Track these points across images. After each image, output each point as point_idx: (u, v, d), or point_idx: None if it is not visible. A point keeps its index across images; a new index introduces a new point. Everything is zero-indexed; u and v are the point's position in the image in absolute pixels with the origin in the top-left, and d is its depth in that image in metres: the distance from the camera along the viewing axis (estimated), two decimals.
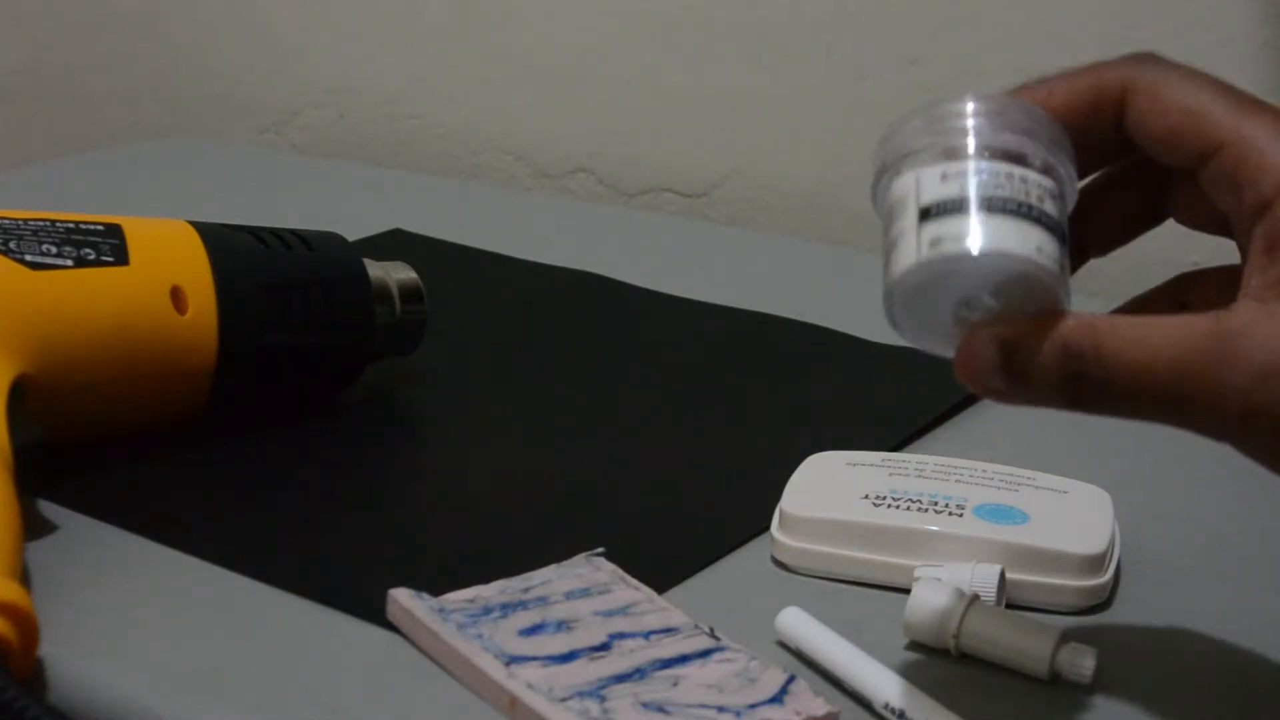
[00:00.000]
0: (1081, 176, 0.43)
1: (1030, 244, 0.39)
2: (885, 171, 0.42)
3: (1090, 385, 0.39)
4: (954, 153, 0.40)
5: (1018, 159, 0.40)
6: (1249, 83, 0.42)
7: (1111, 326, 0.39)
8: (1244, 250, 0.41)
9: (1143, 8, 0.86)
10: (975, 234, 0.39)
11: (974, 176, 0.40)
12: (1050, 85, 0.42)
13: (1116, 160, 0.44)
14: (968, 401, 0.68)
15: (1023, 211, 0.39)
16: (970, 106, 0.41)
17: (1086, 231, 0.45)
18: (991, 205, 0.39)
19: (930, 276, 0.40)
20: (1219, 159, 0.40)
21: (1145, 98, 0.41)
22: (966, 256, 0.39)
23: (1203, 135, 0.40)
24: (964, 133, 0.41)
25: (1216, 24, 0.85)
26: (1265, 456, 0.40)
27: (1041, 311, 0.40)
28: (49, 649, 0.48)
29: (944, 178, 0.40)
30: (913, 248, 0.40)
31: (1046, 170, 0.41)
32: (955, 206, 0.40)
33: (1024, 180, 0.40)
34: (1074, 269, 0.44)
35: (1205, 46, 0.85)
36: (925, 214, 0.40)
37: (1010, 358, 0.40)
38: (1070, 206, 0.41)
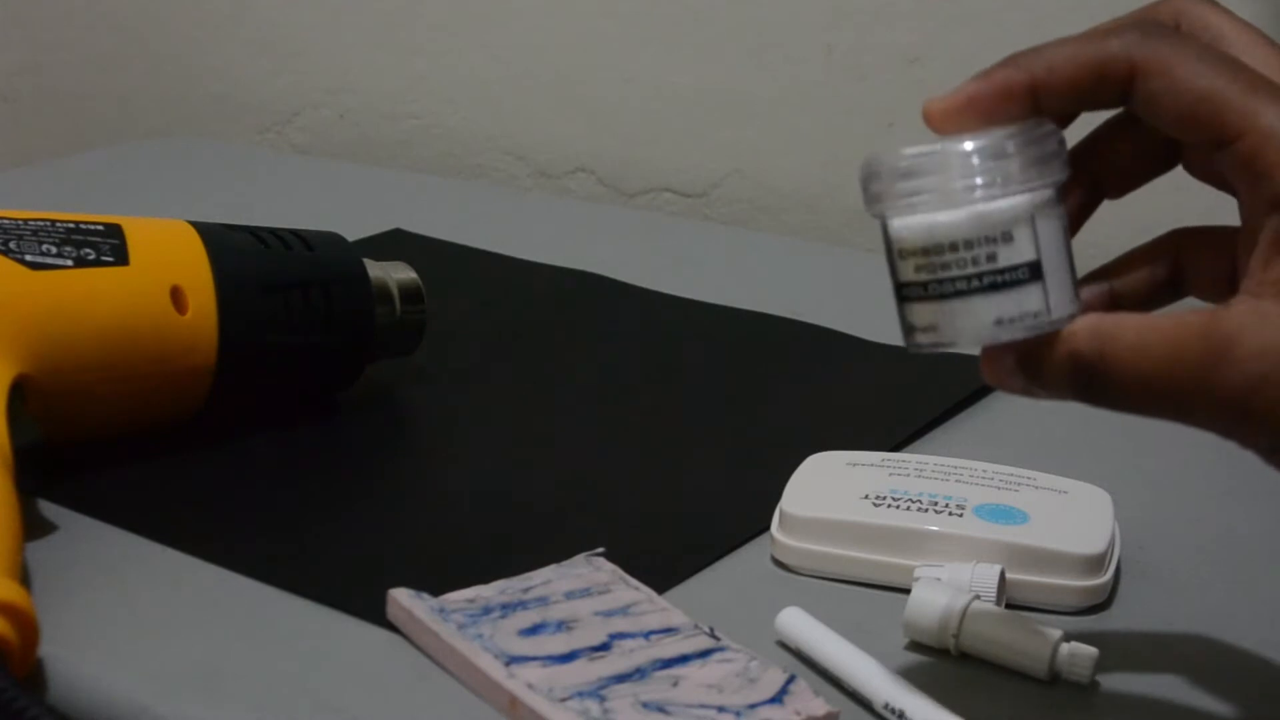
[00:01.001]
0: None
1: (988, 318, 0.40)
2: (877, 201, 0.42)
3: (1100, 390, 0.40)
4: (913, 218, 0.41)
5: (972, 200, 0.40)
6: None
7: (1115, 332, 0.40)
8: (1249, 235, 0.40)
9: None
10: (941, 325, 0.41)
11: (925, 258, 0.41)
12: (1049, 59, 0.40)
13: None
14: (968, 402, 0.68)
15: (983, 284, 0.40)
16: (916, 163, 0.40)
17: (1099, 174, 0.44)
18: (945, 292, 0.40)
19: (919, 352, 0.42)
20: (1236, 148, 0.39)
21: (1157, 79, 0.39)
22: (939, 347, 0.41)
23: (1219, 122, 0.39)
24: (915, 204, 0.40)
25: None
26: (1267, 454, 0.40)
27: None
28: (49, 649, 0.48)
29: (903, 254, 0.41)
30: (902, 324, 0.42)
31: (1020, 187, 0.40)
32: (920, 291, 0.41)
33: (974, 247, 0.40)
34: (1088, 214, 0.45)
35: None
36: (903, 292, 0.41)
37: (1026, 366, 0.41)
38: (1063, 177, 0.41)
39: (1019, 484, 0.55)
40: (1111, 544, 0.53)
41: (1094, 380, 0.40)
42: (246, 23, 1.19)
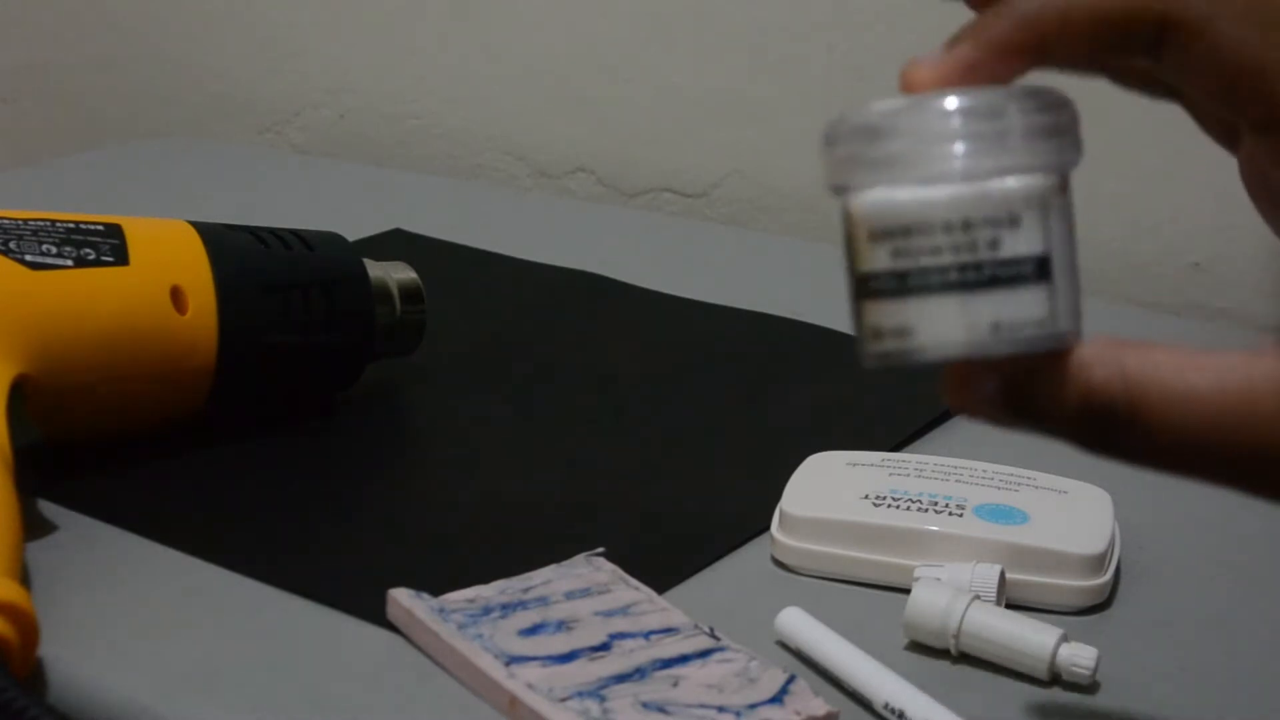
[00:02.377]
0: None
1: (981, 321, 0.32)
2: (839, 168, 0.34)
3: (1119, 445, 0.33)
4: (888, 189, 0.33)
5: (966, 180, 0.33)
6: None
7: (1146, 374, 0.32)
8: None
9: None
10: (916, 328, 0.33)
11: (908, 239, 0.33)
12: (1062, 10, 0.33)
13: None
14: None
15: (980, 276, 0.32)
16: (907, 121, 0.33)
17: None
18: (929, 284, 0.32)
19: (883, 365, 0.34)
20: None
21: (1194, 43, 0.33)
22: (906, 358, 0.33)
23: (1266, 103, 0.33)
24: (898, 163, 0.33)
25: None
26: None
27: (1047, 350, 0.33)
28: (49, 649, 0.48)
29: (874, 236, 0.33)
30: (859, 327, 0.34)
31: (1012, 170, 0.33)
32: (891, 284, 0.33)
33: (972, 230, 0.32)
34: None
35: None
36: (865, 286, 0.33)
37: (1014, 395, 0.33)
38: (1073, 163, 0.34)
39: (1019, 484, 0.55)
40: (1111, 544, 0.53)
41: (1116, 432, 0.32)
42: (247, 23, 1.19)
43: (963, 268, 0.32)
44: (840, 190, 0.34)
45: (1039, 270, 0.32)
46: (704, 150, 1.02)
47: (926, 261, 0.32)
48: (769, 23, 0.98)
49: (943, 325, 0.32)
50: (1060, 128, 0.33)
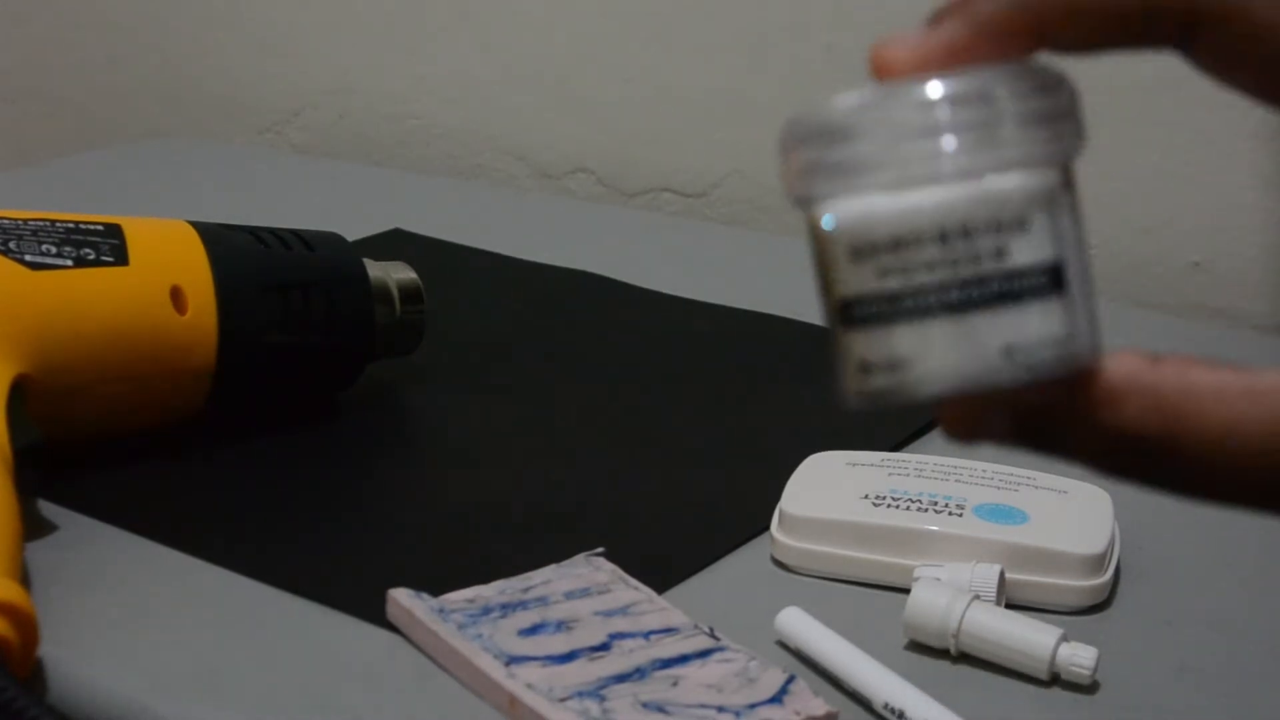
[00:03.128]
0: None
1: (991, 345, 0.27)
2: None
3: (1151, 476, 0.29)
4: (865, 198, 0.28)
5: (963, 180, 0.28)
6: None
7: (1184, 406, 0.28)
8: None
9: None
10: (913, 359, 0.28)
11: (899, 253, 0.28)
12: None
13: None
14: None
15: (987, 292, 0.27)
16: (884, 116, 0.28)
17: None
18: (926, 306, 0.27)
19: (873, 406, 0.29)
20: None
21: (1229, 35, 0.29)
22: (898, 396, 0.28)
23: None
24: (877, 165, 0.28)
25: None
26: None
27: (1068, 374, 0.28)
28: (49, 649, 0.48)
29: (855, 254, 0.28)
30: (841, 363, 0.29)
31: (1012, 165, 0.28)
32: (881, 309, 0.28)
33: (974, 238, 0.27)
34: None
35: None
36: (848, 313, 0.28)
37: (1032, 431, 0.29)
38: (1076, 154, 0.29)
39: (1019, 484, 0.55)
40: (1111, 544, 0.53)
41: (1148, 469, 0.28)
42: (246, 23, 1.19)
43: (964, 284, 0.27)
44: (805, 203, 0.29)
45: (1053, 280, 0.27)
46: (704, 151, 1.02)
47: (921, 279, 0.27)
48: (769, 23, 0.98)
49: (945, 353, 0.27)
50: (1061, 112, 0.28)
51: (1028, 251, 0.27)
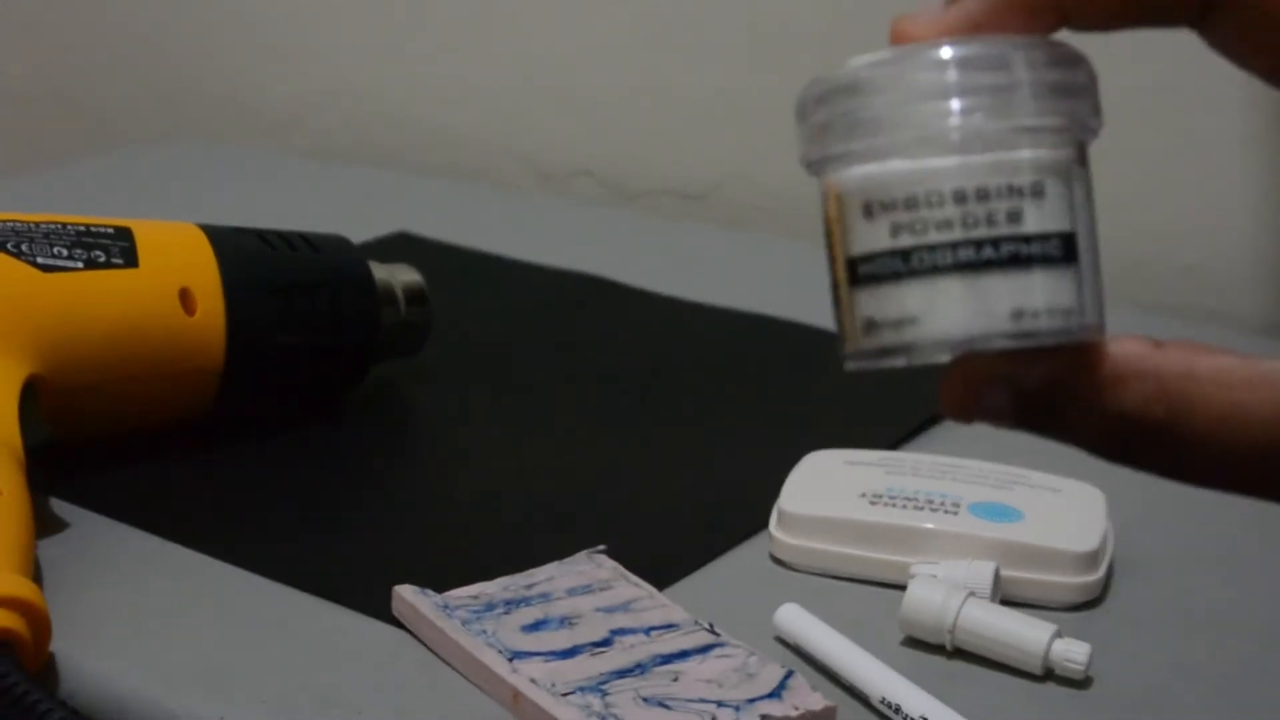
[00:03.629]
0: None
1: (1002, 307, 0.27)
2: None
3: (1150, 461, 0.29)
4: (882, 156, 0.28)
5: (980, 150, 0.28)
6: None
7: (1188, 391, 0.28)
8: None
9: None
10: (921, 316, 0.28)
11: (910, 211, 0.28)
12: None
13: None
14: None
15: (999, 254, 0.27)
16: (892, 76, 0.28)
17: None
18: (938, 264, 0.27)
19: (875, 365, 0.29)
20: None
21: (1244, 17, 0.29)
22: (904, 355, 0.28)
23: None
24: (887, 124, 0.28)
25: None
26: None
27: (1073, 347, 0.28)
28: (60, 644, 0.48)
29: (868, 212, 0.28)
30: (846, 323, 0.29)
31: (1024, 139, 0.28)
32: (893, 265, 0.28)
33: (990, 199, 0.27)
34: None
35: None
36: (854, 272, 0.28)
37: (1032, 409, 0.29)
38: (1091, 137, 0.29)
39: (1013, 482, 0.56)
40: (1104, 541, 0.54)
41: (1147, 453, 0.29)
42: (252, 27, 1.19)
43: (978, 244, 0.27)
44: (820, 164, 0.29)
45: (1065, 250, 0.28)
46: (705, 153, 1.02)
47: (934, 237, 0.27)
48: (769, 24, 0.98)
49: (953, 311, 0.27)
50: (1079, 88, 0.28)
51: (1042, 219, 0.27)
